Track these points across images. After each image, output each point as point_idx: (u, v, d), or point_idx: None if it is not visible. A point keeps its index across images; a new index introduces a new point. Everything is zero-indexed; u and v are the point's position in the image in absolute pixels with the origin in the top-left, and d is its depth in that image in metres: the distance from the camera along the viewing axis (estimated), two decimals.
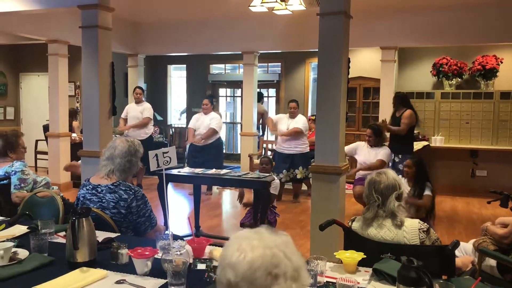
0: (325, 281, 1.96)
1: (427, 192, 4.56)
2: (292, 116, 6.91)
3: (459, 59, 7.97)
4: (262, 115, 9.42)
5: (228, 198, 7.59)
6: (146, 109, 7.48)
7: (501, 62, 7.75)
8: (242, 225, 5.43)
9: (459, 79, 8.07)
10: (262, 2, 5.24)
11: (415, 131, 6.69)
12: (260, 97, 9.25)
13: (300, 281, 1.20)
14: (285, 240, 1.23)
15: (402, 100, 6.31)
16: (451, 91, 8.05)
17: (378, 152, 5.78)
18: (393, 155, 6.11)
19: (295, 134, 6.78)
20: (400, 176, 2.90)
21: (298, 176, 6.85)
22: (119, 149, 2.74)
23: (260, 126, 9.59)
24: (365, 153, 5.87)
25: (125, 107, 7.77)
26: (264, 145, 8.84)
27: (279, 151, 6.96)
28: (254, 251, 1.16)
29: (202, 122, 6.98)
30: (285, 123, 6.92)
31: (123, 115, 7.55)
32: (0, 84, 9.83)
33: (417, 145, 7.09)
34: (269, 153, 8.49)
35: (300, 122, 6.87)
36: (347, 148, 5.87)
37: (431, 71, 8.22)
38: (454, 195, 7.46)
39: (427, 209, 4.61)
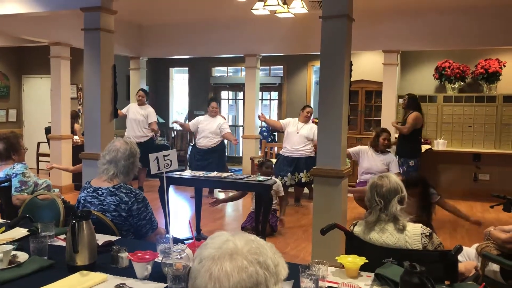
0: (326, 286, 1.94)
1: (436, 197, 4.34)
2: (305, 121, 6.83)
3: (461, 62, 7.95)
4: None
5: (229, 202, 7.55)
6: (150, 114, 7.48)
7: (504, 66, 7.72)
8: (244, 228, 5.42)
9: (462, 83, 8.05)
10: (264, 5, 5.24)
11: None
12: None
13: (280, 279, 1.14)
14: (255, 246, 1.14)
15: (411, 102, 6.33)
16: (453, 94, 8.03)
17: (384, 158, 5.78)
18: (397, 156, 6.13)
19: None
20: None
21: (303, 180, 6.82)
22: (122, 152, 2.71)
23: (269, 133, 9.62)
24: (370, 159, 5.85)
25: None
26: (266, 149, 8.82)
27: (285, 154, 6.92)
28: (229, 278, 1.07)
29: (207, 125, 6.96)
30: (295, 125, 6.87)
31: (123, 110, 7.51)
32: (3, 86, 9.84)
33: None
34: (270, 156, 8.47)
35: (315, 132, 6.75)
36: (351, 149, 5.87)
37: (433, 75, 8.19)
38: (457, 199, 7.41)
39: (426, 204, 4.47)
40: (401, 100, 7.15)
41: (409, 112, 6.33)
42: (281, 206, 5.71)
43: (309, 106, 7.04)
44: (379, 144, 5.85)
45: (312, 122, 7.69)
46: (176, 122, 7.56)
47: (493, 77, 7.73)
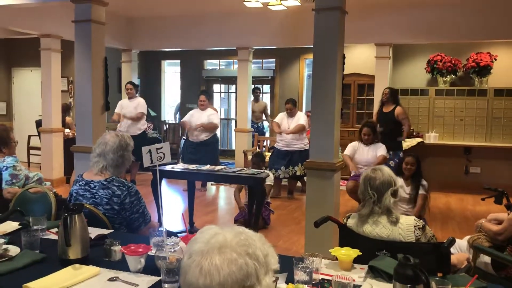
0: (320, 278, 1.95)
1: (421, 192, 4.74)
2: (290, 115, 6.89)
3: (453, 56, 7.98)
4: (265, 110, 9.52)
5: (222, 195, 7.56)
6: (140, 104, 7.42)
7: (495, 59, 7.76)
8: (236, 221, 5.43)
9: (453, 76, 8.08)
10: None
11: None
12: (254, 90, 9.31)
13: (270, 269, 1.16)
14: (243, 238, 1.15)
15: (395, 95, 6.45)
16: (445, 88, 8.06)
17: (374, 149, 5.78)
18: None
19: (299, 130, 6.79)
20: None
21: (298, 173, 6.85)
22: (110, 145, 2.70)
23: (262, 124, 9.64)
24: (359, 151, 5.86)
25: (118, 102, 7.70)
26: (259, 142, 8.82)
27: (279, 147, 6.96)
28: (219, 271, 1.08)
29: (199, 118, 6.92)
30: (286, 122, 6.92)
31: (117, 110, 7.48)
32: None
33: (411, 142, 7.11)
34: (263, 149, 8.47)
35: (301, 119, 6.88)
36: (347, 151, 5.86)
37: (425, 68, 8.22)
38: (448, 191, 7.48)
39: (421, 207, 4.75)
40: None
41: (391, 106, 6.42)
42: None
43: (288, 102, 6.99)
44: (363, 140, 5.88)
45: (307, 115, 7.69)
46: (186, 125, 6.99)
47: (484, 70, 7.77)
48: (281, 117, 7.07)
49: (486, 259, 2.87)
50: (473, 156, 7.80)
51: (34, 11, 6.64)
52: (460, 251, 3.13)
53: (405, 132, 6.45)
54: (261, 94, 9.79)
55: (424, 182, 4.77)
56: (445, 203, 6.95)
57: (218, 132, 7.48)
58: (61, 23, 6.91)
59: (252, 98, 9.04)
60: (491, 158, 7.68)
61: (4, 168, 3.61)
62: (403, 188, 4.70)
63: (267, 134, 10.10)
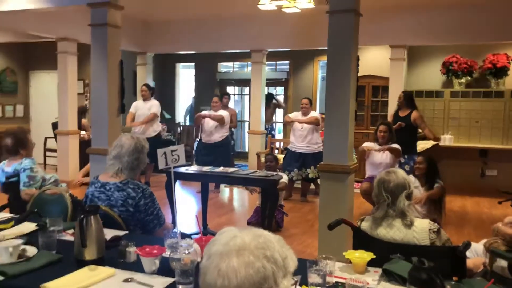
0: (334, 281, 1.95)
1: (436, 185, 4.71)
2: (305, 113, 6.89)
3: (469, 57, 7.89)
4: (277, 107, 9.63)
5: (236, 196, 7.58)
6: (153, 106, 7.49)
7: None
8: (250, 224, 5.43)
9: (469, 78, 7.99)
10: (271, 0, 5.22)
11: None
12: (269, 98, 9.36)
13: (288, 272, 1.16)
14: (262, 241, 1.15)
15: (410, 100, 6.30)
16: (460, 89, 7.98)
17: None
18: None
19: (313, 122, 6.79)
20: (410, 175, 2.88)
21: (310, 176, 6.84)
22: (126, 147, 2.73)
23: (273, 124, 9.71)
24: (376, 152, 5.82)
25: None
26: (272, 144, 8.82)
27: (292, 149, 6.96)
28: (237, 274, 1.09)
29: (209, 120, 6.96)
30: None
31: (132, 110, 7.54)
32: (10, 82, 9.89)
33: (426, 144, 7.04)
34: (276, 151, 8.48)
35: (315, 113, 6.92)
36: (366, 144, 5.84)
37: (440, 70, 8.14)
38: (464, 194, 7.40)
39: (437, 198, 4.68)
40: None
41: (407, 110, 6.26)
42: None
43: (305, 98, 7.08)
44: (378, 138, 5.82)
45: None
46: (199, 119, 7.11)
47: (501, 72, 7.67)
48: (294, 114, 7.09)
49: (503, 263, 2.82)
50: (490, 159, 7.71)
51: (51, 15, 6.74)
52: (476, 255, 3.09)
53: (428, 133, 6.34)
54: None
55: (439, 181, 4.73)
56: (460, 206, 6.87)
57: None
58: (77, 27, 6.99)
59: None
60: (508, 161, 7.57)
61: (22, 169, 3.67)
62: (418, 189, 4.67)
63: (278, 136, 10.11)
